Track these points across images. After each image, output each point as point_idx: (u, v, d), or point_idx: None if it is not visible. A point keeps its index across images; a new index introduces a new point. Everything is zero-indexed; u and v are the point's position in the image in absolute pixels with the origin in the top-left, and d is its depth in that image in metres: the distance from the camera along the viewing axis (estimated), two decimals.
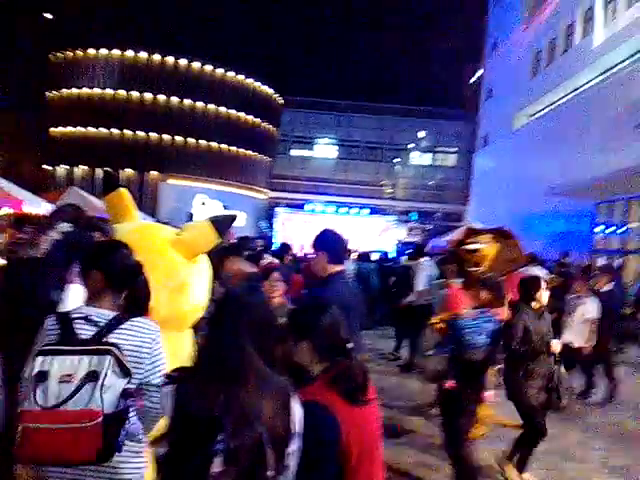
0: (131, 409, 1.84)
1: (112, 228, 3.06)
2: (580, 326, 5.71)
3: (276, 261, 4.91)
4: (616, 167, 12.83)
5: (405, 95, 33.93)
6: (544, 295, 3.76)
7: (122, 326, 1.90)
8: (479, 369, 3.59)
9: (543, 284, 3.84)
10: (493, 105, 27.90)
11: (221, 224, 2.75)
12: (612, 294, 6.31)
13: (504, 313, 3.70)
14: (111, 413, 1.75)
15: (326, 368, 1.71)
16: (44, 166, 26.78)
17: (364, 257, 10.57)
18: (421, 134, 35.13)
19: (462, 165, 34.32)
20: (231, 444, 1.34)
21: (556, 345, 3.70)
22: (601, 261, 14.69)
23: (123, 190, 3.04)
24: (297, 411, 1.50)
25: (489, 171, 26.52)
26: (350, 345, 1.78)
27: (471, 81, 33.82)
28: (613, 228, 15.79)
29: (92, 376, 1.75)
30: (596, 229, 16.39)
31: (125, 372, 1.80)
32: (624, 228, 15.21)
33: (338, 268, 2.99)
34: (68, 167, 26.30)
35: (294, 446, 1.47)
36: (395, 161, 35.71)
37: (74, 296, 2.71)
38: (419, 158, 36.41)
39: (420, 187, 35.15)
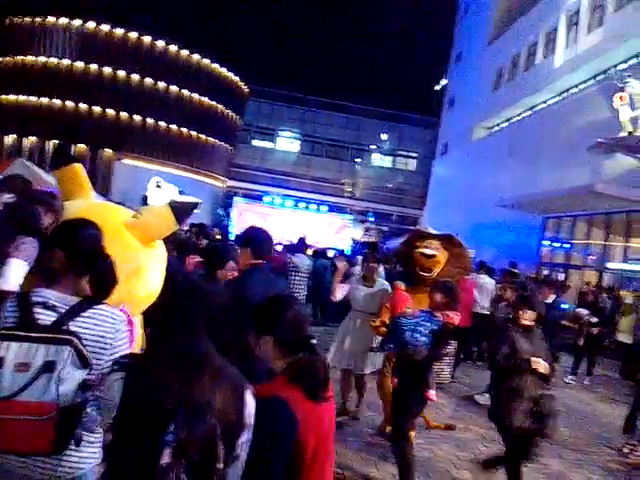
0: (90, 401, 1.76)
1: (61, 204, 2.94)
2: None
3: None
4: (566, 185, 13.39)
5: (372, 96, 34.26)
6: (529, 314, 3.69)
7: (84, 314, 1.80)
8: (421, 368, 3.63)
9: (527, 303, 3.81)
10: (454, 115, 28.55)
11: (181, 210, 2.68)
12: (553, 306, 6.58)
13: (457, 318, 3.74)
14: (67, 406, 1.69)
15: (289, 363, 1.70)
16: None
17: (320, 254, 10.66)
18: (384, 136, 35.54)
19: (421, 170, 34.97)
20: (182, 436, 1.30)
21: (536, 363, 3.54)
22: (546, 274, 15.33)
23: (78, 165, 2.91)
24: (250, 403, 1.48)
25: (446, 179, 27.13)
26: (313, 340, 1.77)
27: (435, 89, 34.47)
28: (559, 243, 16.50)
29: (48, 367, 1.67)
30: (543, 242, 17.08)
31: (85, 363, 1.73)
32: (569, 244, 15.92)
33: (258, 261, 3.19)
34: (17, 137, 25.00)
35: (244, 437, 1.45)
36: (357, 161, 35.98)
37: (15, 271, 2.63)
38: (380, 160, 36.86)
39: (379, 189, 35.57)
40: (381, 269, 6.51)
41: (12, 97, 25.17)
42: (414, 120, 34.99)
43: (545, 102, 19.64)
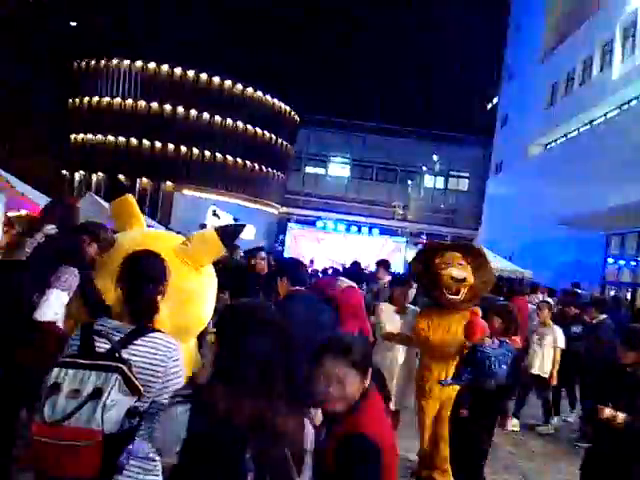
0: (141, 428, 1.79)
1: (110, 235, 3.08)
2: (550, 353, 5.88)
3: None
4: (629, 199, 12.85)
5: (421, 118, 34.17)
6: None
7: (137, 341, 1.83)
8: (497, 398, 3.48)
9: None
10: (508, 133, 28.05)
11: (227, 234, 2.74)
12: (602, 326, 6.17)
13: (519, 342, 3.63)
14: (113, 433, 1.70)
15: (364, 391, 1.68)
16: (63, 172, 27.23)
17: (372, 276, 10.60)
18: (435, 157, 35.30)
19: (474, 190, 34.38)
20: (260, 462, 1.33)
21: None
22: (611, 293, 14.63)
23: (129, 196, 3.00)
24: (309, 428, 1.51)
25: (501, 198, 26.54)
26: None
27: (488, 107, 34.05)
28: (624, 261, 15.74)
29: (96, 394, 1.70)
30: (608, 260, 16.35)
31: (134, 391, 1.75)
32: (635, 261, 15.16)
33: (297, 288, 3.29)
34: (85, 173, 26.72)
35: (307, 463, 1.48)
36: (408, 183, 35.87)
37: (53, 301, 2.70)
38: (432, 181, 36.55)
39: (432, 210, 35.21)
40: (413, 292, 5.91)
41: (80, 136, 27.01)
42: (465, 140, 34.60)
43: (604, 116, 19.02)
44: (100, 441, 1.68)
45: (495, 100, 31.99)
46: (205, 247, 2.69)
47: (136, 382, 1.75)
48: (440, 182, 36.68)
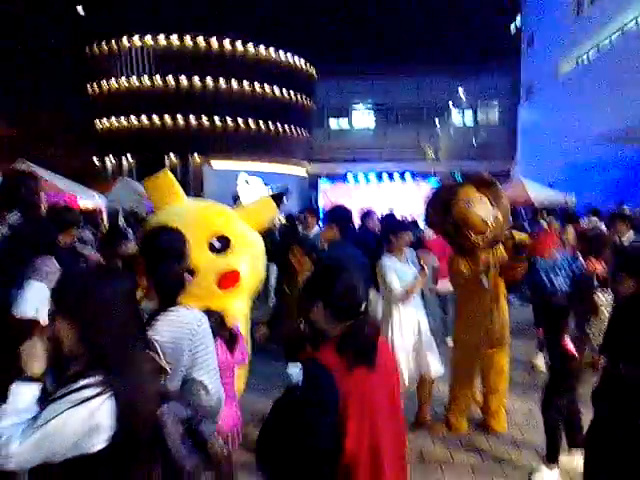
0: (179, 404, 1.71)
1: (78, 216, 3.21)
2: None
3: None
4: None
5: (440, 51, 32.69)
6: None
7: (160, 318, 1.82)
8: (558, 316, 3.25)
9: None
10: (535, 53, 26.60)
11: (277, 196, 3.19)
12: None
13: (600, 268, 3.22)
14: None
15: (340, 330, 1.67)
16: (94, 159, 27.75)
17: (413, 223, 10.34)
18: (460, 91, 33.98)
19: (506, 120, 33.08)
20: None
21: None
22: None
23: (166, 171, 3.01)
24: None
25: (535, 123, 25.49)
26: (364, 306, 1.74)
27: (511, 30, 32.21)
28: None
29: None
30: None
31: (159, 371, 1.72)
32: None
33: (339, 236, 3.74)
34: (114, 157, 27.15)
35: None
36: (436, 122, 34.81)
37: (31, 295, 2.44)
38: (460, 117, 35.34)
39: (463, 147, 34.20)
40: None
41: (105, 121, 27.30)
42: (490, 68, 33.00)
43: (635, 20, 17.71)
44: None
45: (518, 21, 30.18)
46: (264, 208, 3.15)
47: (161, 361, 1.72)
48: (469, 116, 35.42)
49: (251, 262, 2.70)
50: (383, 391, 1.69)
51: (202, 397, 1.79)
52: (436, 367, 4.05)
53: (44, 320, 2.32)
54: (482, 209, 3.80)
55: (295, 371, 1.52)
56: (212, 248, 2.66)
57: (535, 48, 26.79)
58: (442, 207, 3.94)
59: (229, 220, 2.80)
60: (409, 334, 3.91)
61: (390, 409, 1.71)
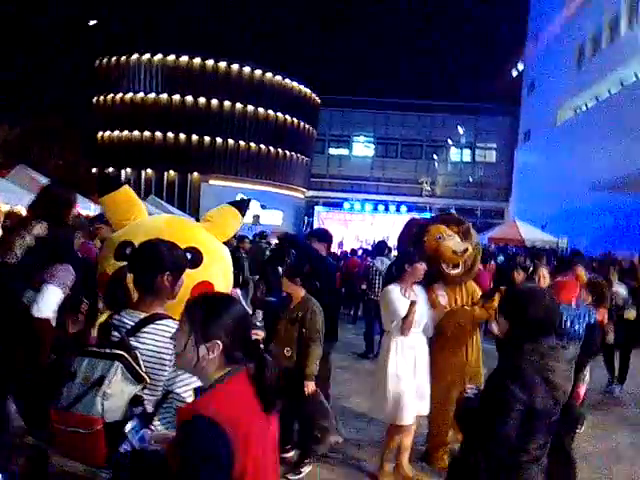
0: (158, 418, 1.74)
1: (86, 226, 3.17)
2: None
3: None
4: None
5: (442, 90, 33.50)
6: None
7: (145, 329, 1.82)
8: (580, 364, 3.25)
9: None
10: (535, 99, 27.26)
11: (241, 205, 2.95)
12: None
13: (604, 316, 3.47)
14: (117, 421, 1.69)
15: (228, 372, 1.46)
16: (93, 169, 27.84)
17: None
18: (460, 130, 34.63)
19: (503, 161, 33.66)
20: None
21: None
22: None
23: (127, 187, 2.93)
24: None
25: (531, 166, 25.93)
26: (261, 346, 1.56)
27: (512, 75, 33.08)
28: None
29: (99, 381, 1.70)
30: None
31: (137, 379, 1.74)
32: None
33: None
34: (114, 169, 27.25)
35: None
36: (434, 157, 35.34)
37: (49, 298, 2.69)
38: (458, 154, 35.94)
39: (460, 184, 34.68)
40: None
41: (107, 133, 27.49)
42: (490, 110, 33.77)
43: (635, 75, 18.27)
44: (100, 429, 1.68)
45: (520, 67, 31.03)
46: (228, 219, 2.89)
47: (139, 370, 1.73)
48: (467, 154, 36.03)
49: (223, 274, 2.65)
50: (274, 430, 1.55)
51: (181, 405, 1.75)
52: (425, 409, 3.85)
53: (54, 321, 2.67)
54: (452, 242, 3.93)
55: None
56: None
57: (535, 94, 27.47)
58: (414, 241, 4.06)
59: (197, 233, 2.66)
60: (406, 369, 3.65)
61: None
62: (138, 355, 1.74)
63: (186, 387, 1.73)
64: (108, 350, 1.74)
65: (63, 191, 3.23)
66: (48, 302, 2.67)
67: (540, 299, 2.02)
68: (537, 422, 1.87)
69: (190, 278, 2.32)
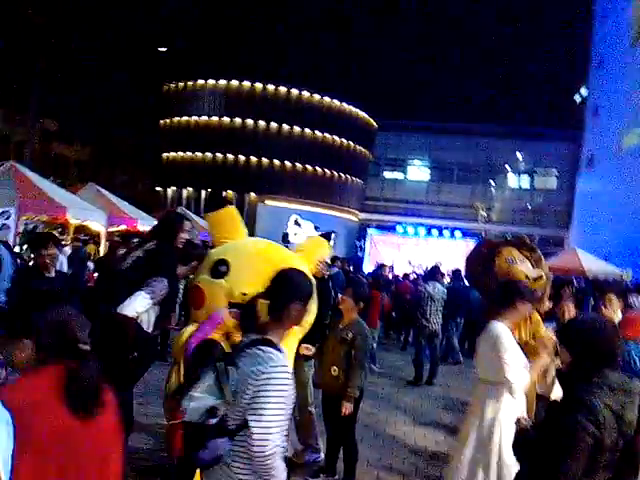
0: (232, 444, 1.84)
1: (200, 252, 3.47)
2: None
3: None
4: None
5: (503, 115, 32.98)
6: None
7: (248, 350, 1.92)
8: None
9: None
10: (599, 124, 26.36)
11: (327, 236, 3.36)
12: None
13: None
14: (192, 422, 1.83)
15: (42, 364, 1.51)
16: (156, 188, 29.22)
17: (458, 275, 9.79)
18: (519, 155, 33.86)
19: (563, 188, 32.55)
20: None
21: None
22: None
23: (232, 207, 3.18)
24: None
25: (594, 194, 24.95)
26: (85, 347, 1.56)
27: (575, 99, 32.19)
28: None
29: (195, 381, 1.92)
30: None
31: (220, 392, 1.83)
32: None
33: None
34: (176, 189, 28.47)
35: None
36: (491, 183, 34.67)
37: (135, 300, 3.05)
38: (516, 180, 35.08)
39: (517, 210, 33.76)
40: None
41: (172, 154, 28.85)
42: (551, 135, 32.84)
43: None
44: (179, 423, 1.91)
45: (583, 91, 30.16)
46: (318, 248, 3.27)
47: (223, 385, 1.83)
48: (525, 181, 35.09)
49: (314, 301, 2.82)
50: (102, 436, 1.55)
51: (250, 441, 1.82)
52: None
53: (140, 320, 3.12)
54: (525, 267, 3.71)
55: None
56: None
57: (599, 119, 26.58)
58: (483, 262, 3.82)
59: (293, 262, 2.74)
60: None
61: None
62: (231, 372, 1.84)
63: (256, 419, 1.78)
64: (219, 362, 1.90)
65: (177, 217, 3.72)
66: (133, 304, 3.03)
67: (604, 330, 1.99)
68: (603, 457, 1.85)
69: None
